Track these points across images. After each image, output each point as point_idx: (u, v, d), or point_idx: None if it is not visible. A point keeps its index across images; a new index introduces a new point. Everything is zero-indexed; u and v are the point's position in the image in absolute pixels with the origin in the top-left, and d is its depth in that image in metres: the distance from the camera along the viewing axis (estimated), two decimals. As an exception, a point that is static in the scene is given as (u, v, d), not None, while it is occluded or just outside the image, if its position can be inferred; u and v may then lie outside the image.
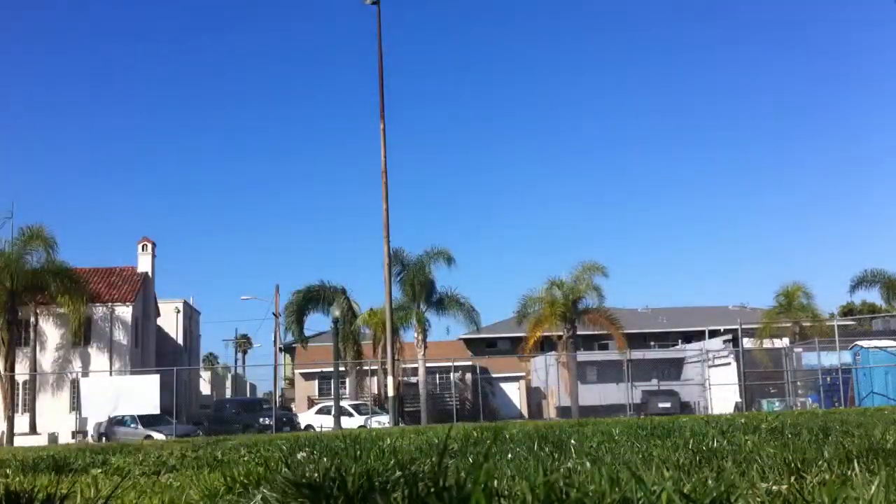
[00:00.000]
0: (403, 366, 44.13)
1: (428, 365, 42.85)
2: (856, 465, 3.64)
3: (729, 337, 46.23)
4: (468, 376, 49.24)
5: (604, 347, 50.62)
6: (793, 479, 3.35)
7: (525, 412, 52.46)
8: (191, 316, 64.49)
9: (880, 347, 32.28)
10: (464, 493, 2.23)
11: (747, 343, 40.58)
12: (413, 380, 45.13)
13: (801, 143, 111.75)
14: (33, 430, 41.41)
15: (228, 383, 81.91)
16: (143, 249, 52.88)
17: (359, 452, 5.58)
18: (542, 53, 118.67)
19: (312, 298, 44.18)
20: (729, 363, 42.14)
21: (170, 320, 59.41)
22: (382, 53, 31.35)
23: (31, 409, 42.96)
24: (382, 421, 32.65)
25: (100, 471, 5.85)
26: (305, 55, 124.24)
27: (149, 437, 30.30)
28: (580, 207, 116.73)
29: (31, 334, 44.12)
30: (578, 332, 43.13)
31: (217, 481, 4.22)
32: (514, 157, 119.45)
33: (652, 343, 56.52)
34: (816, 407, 31.73)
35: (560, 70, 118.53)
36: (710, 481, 2.96)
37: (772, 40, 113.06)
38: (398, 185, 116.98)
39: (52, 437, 38.60)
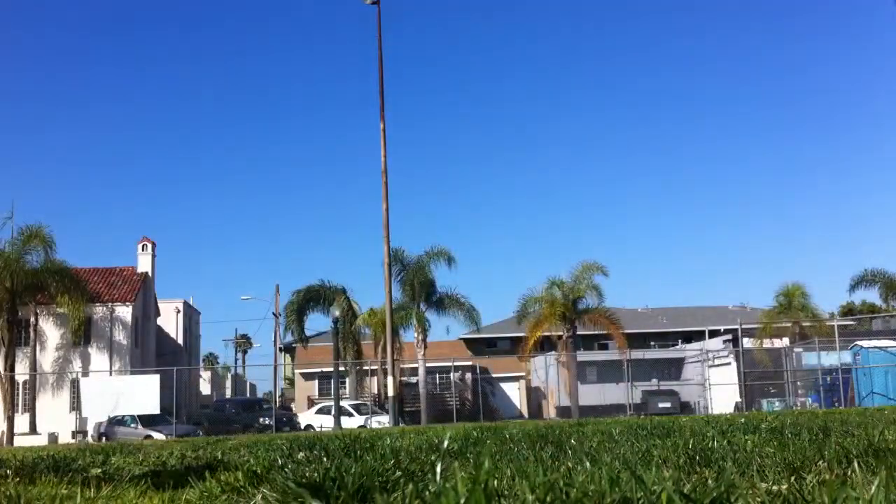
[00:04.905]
0: (403, 366, 44.13)
1: (428, 365, 42.85)
2: (856, 465, 3.64)
3: (729, 337, 46.16)
4: (468, 376, 49.23)
5: (604, 347, 50.59)
6: (793, 479, 3.35)
7: (525, 412, 52.46)
8: (191, 316, 64.48)
9: (880, 347, 32.28)
10: (463, 493, 2.22)
11: (747, 343, 40.55)
12: (413, 380, 45.13)
13: (801, 142, 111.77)
14: (33, 430, 41.39)
15: (228, 383, 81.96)
16: (143, 249, 52.87)
17: (359, 452, 5.58)
18: (543, 53, 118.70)
19: (312, 298, 44.17)
20: (729, 363, 42.12)
21: (170, 320, 59.41)
22: (382, 53, 31.37)
23: (31, 409, 42.95)
24: (382, 421, 32.64)
25: (100, 471, 5.85)
26: (305, 56, 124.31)
27: (149, 436, 30.31)
28: (580, 207, 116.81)
29: (31, 334, 44.09)
30: (578, 332, 43.10)
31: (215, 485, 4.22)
32: (515, 156, 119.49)
33: (652, 343, 56.48)
34: (816, 407, 31.74)
35: (562, 70, 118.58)
36: (710, 481, 2.96)
37: (772, 43, 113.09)
38: (398, 185, 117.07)
39: (52, 437, 38.58)
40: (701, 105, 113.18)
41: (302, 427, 36.06)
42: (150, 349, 52.84)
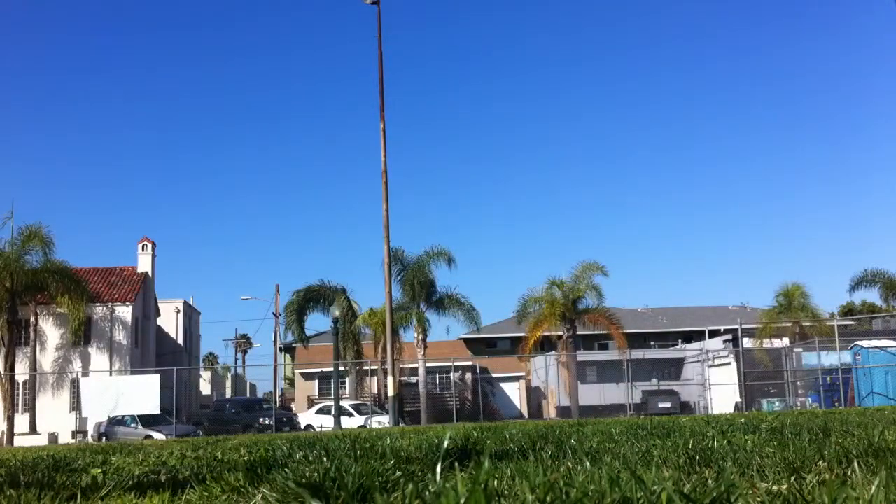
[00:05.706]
0: (403, 366, 44.12)
1: (428, 365, 42.83)
2: (856, 465, 3.64)
3: (729, 337, 46.20)
4: (468, 376, 49.24)
5: (604, 347, 50.61)
6: (793, 479, 3.35)
7: (525, 412, 52.46)
8: (191, 316, 64.47)
9: (880, 347, 32.27)
10: (463, 493, 2.22)
11: (747, 343, 40.56)
12: (413, 380, 45.13)
13: (801, 143, 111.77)
14: (33, 430, 41.39)
15: (228, 383, 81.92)
16: (143, 249, 52.86)
17: (359, 452, 5.59)
18: (543, 53, 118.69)
19: (312, 298, 44.15)
20: (729, 363, 42.13)
21: (170, 320, 59.39)
22: (382, 53, 31.33)
23: (31, 409, 42.94)
24: (382, 421, 32.64)
25: (100, 471, 5.85)
26: (305, 55, 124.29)
27: (149, 436, 30.30)
28: (580, 207, 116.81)
29: (31, 334, 44.09)
30: (578, 332, 43.11)
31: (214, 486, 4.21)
32: (515, 157, 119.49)
33: (652, 343, 56.51)
34: (816, 407, 31.72)
35: (562, 71, 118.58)
36: (710, 481, 2.96)
37: (773, 43, 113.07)
38: (398, 185, 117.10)
39: (52, 437, 38.60)
40: (701, 105, 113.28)
41: (302, 427, 36.05)
42: (150, 349, 52.84)
